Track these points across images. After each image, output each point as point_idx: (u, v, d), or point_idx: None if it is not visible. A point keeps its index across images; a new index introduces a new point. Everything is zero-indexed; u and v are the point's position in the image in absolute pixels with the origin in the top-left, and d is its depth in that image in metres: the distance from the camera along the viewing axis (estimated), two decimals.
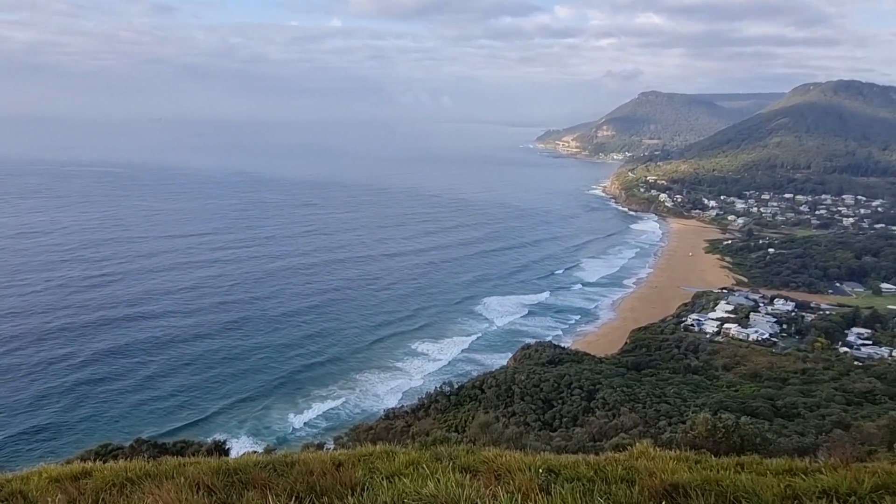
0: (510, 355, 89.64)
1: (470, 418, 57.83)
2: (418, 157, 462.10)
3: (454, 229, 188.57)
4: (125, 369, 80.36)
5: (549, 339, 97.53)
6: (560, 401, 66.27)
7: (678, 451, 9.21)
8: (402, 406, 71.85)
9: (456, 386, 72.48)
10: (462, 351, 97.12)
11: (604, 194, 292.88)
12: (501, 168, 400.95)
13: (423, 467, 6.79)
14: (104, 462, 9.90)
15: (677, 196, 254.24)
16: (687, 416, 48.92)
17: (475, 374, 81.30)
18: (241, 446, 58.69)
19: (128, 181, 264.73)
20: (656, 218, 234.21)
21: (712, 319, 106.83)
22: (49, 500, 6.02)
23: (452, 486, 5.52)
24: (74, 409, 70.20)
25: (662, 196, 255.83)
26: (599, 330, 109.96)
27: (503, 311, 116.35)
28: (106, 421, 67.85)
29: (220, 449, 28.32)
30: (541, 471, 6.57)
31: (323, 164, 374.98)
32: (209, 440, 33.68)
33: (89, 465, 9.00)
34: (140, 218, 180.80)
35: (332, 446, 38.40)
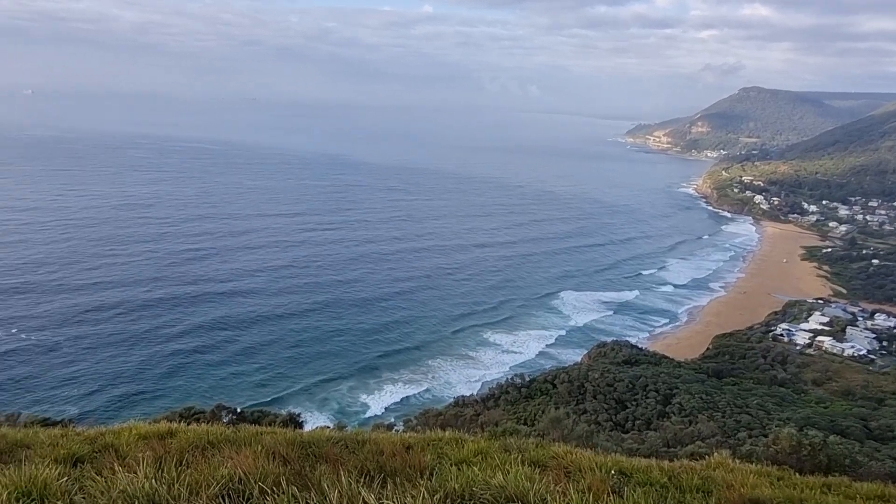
0: (585, 352, 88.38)
1: (540, 412, 57.45)
2: (505, 146, 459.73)
3: (541, 222, 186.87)
4: (216, 342, 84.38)
5: (626, 338, 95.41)
6: (634, 402, 64.77)
7: (759, 466, 8.82)
8: (473, 395, 72.19)
9: (527, 378, 72.13)
10: (537, 344, 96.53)
11: (695, 193, 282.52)
12: (589, 161, 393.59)
13: (491, 457, 6.78)
14: (188, 424, 10.46)
15: (774, 198, 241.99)
16: (770, 429, 46.76)
17: (548, 367, 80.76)
18: (314, 420, 60.73)
19: (223, 158, 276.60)
20: (751, 220, 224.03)
21: (804, 331, 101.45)
22: (139, 456, 6.39)
23: (521, 480, 5.48)
24: (167, 377, 74.50)
25: (758, 198, 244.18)
26: (681, 333, 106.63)
27: (583, 308, 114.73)
28: (194, 391, 71.55)
29: (295, 421, 29.38)
30: (612, 472, 6.44)
31: (409, 150, 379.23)
32: (284, 412, 35.02)
33: (174, 425, 9.53)
34: (234, 195, 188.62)
35: (401, 428, 39.10)
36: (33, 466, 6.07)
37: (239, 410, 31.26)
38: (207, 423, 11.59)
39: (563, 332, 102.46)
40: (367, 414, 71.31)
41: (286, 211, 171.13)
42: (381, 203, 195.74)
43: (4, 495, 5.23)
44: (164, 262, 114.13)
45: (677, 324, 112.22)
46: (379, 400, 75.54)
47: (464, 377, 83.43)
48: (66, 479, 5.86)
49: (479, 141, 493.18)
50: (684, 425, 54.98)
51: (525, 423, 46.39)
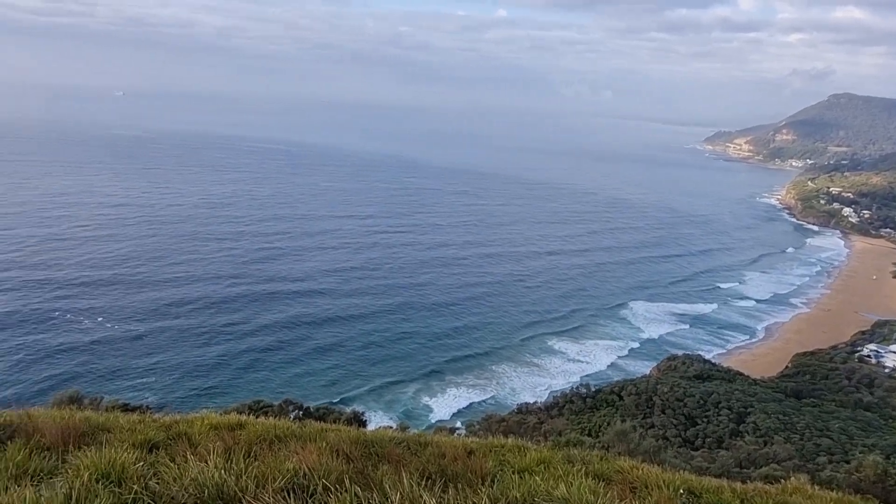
0: (654, 364, 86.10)
1: (605, 424, 56.31)
2: (577, 151, 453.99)
3: (614, 231, 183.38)
4: (288, 340, 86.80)
5: (699, 352, 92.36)
6: (705, 419, 62.59)
7: (840, 494, 8.35)
8: (536, 402, 71.50)
9: (593, 389, 70.86)
10: (604, 354, 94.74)
11: (778, 204, 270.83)
12: (665, 169, 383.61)
13: (554, 468, 6.68)
14: (256, 417, 10.80)
15: (865, 212, 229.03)
16: (853, 455, 44.21)
17: (615, 379, 79.13)
18: (376, 420, 61.56)
19: (297, 160, 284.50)
20: (838, 234, 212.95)
21: (894, 353, 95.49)
22: (210, 445, 6.63)
23: (585, 493, 5.38)
24: (240, 372, 77.21)
25: (846, 210, 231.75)
26: (758, 349, 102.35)
27: (654, 319, 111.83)
28: (265, 387, 73.76)
29: (358, 420, 29.87)
30: (681, 491, 6.23)
31: (479, 154, 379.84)
32: (348, 410, 35.64)
33: (244, 418, 9.85)
34: (308, 196, 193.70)
35: (463, 432, 39.11)
36: (113, 450, 6.40)
37: (305, 406, 32.01)
38: (275, 417, 11.90)
39: (632, 344, 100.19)
40: (430, 416, 71.73)
41: (358, 213, 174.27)
42: (452, 207, 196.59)
43: (86, 475, 5.53)
44: (241, 260, 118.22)
45: (755, 340, 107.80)
46: (442, 403, 75.84)
47: (528, 384, 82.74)
48: (142, 463, 6.15)
49: (551, 146, 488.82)
50: (758, 446, 52.69)
51: (589, 435, 45.58)
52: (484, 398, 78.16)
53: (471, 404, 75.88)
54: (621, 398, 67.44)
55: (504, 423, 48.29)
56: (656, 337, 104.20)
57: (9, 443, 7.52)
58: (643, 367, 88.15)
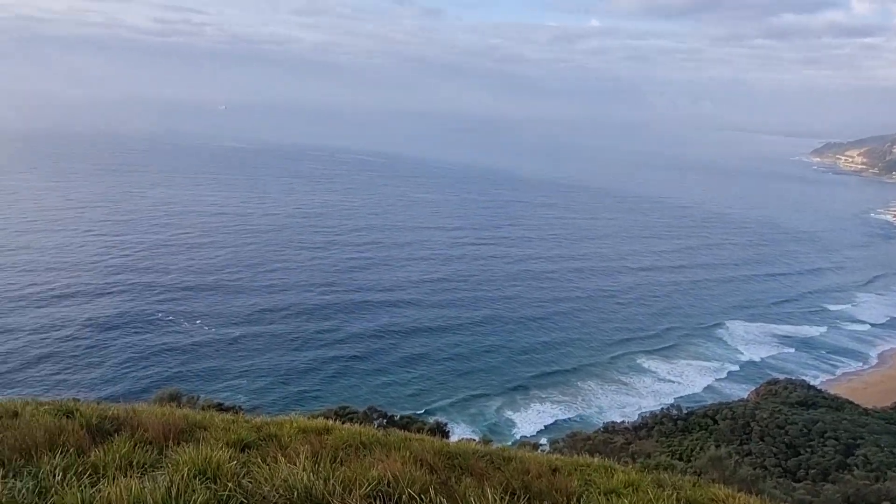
0: (752, 388, 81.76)
1: (697, 448, 53.91)
2: (673, 164, 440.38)
3: (712, 247, 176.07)
4: (374, 350, 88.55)
5: (803, 377, 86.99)
6: (808, 449, 58.73)
7: None
8: (624, 421, 69.41)
9: (685, 411, 68.04)
10: (697, 375, 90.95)
11: (895, 221, 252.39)
12: (769, 182, 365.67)
13: (643, 491, 6.46)
14: (342, 422, 11.06)
15: None
16: None
17: (708, 401, 75.73)
18: (459, 432, 61.55)
19: (389, 171, 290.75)
20: None
21: None
22: (298, 448, 6.84)
23: None
24: (328, 380, 79.37)
25: None
26: (870, 377, 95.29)
27: (753, 341, 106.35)
28: (352, 395, 75.44)
29: (441, 430, 30.03)
30: None
31: (570, 166, 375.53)
32: (431, 420, 35.90)
33: (330, 423, 10.12)
34: (398, 207, 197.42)
35: (547, 448, 38.49)
36: (209, 448, 6.72)
37: (389, 415, 32.51)
38: (360, 423, 12.14)
39: (729, 366, 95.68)
40: (513, 431, 71.09)
41: (446, 224, 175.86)
42: (541, 220, 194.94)
43: (185, 470, 5.85)
44: (332, 269, 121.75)
45: (867, 366, 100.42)
46: (526, 418, 75.01)
47: (616, 403, 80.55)
48: (235, 462, 6.43)
49: (645, 158, 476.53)
50: (870, 481, 48.91)
51: (680, 459, 43.78)
52: (569, 415, 76.71)
53: (556, 421, 74.65)
54: (715, 422, 64.40)
55: (589, 442, 47.19)
56: (756, 360, 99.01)
57: (116, 435, 8.06)
58: (740, 391, 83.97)
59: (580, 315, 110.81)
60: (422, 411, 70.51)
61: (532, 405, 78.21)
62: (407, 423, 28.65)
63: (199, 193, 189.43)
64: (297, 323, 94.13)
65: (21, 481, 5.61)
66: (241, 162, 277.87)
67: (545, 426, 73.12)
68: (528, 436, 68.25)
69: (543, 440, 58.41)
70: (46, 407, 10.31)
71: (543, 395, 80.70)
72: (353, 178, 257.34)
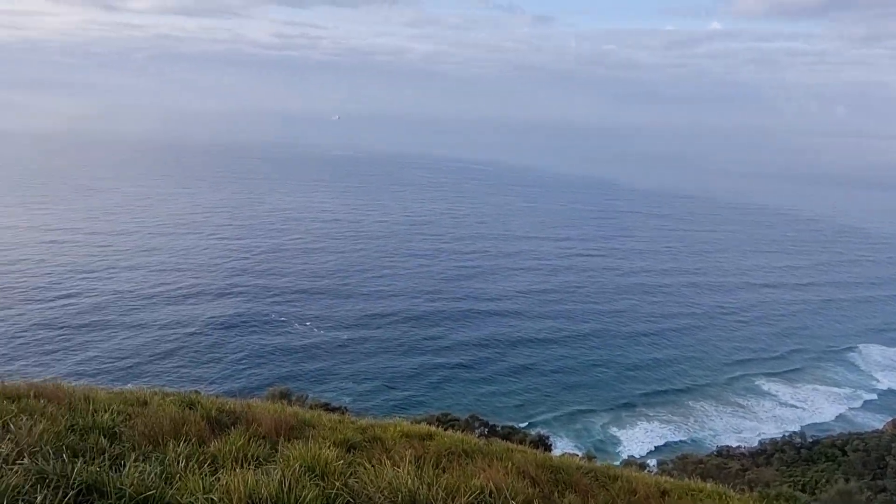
0: (890, 419, 74.93)
1: (823, 481, 50.10)
2: (800, 174, 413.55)
3: (845, 264, 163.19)
4: (479, 360, 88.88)
5: None
6: None
7: None
8: (740, 447, 65.65)
9: (809, 439, 63.43)
10: (824, 401, 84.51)
11: None
12: None
13: None
14: (444, 429, 11.18)
15: None
16: None
17: (836, 430, 70.16)
18: (562, 446, 60.49)
19: (495, 179, 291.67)
20: None
21: None
22: (403, 452, 6.98)
23: None
24: (433, 387, 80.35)
25: None
26: None
27: (891, 367, 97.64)
28: (455, 404, 75.91)
29: (544, 443, 29.64)
30: None
31: (686, 175, 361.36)
32: (533, 432, 35.52)
33: (432, 429, 10.26)
34: (505, 216, 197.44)
35: (655, 470, 37.07)
36: (317, 446, 7.01)
37: (491, 424, 32.48)
38: (461, 431, 12.20)
39: (863, 393, 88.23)
40: (619, 449, 68.94)
41: (554, 234, 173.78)
42: (654, 232, 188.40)
43: (297, 466, 6.13)
44: (439, 277, 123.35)
45: None
46: (633, 437, 72.52)
47: (731, 427, 76.26)
48: (342, 462, 6.66)
49: (769, 167, 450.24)
50: None
51: (803, 490, 40.88)
52: (679, 437, 73.41)
53: (666, 442, 71.69)
54: (844, 453, 59.58)
55: (701, 466, 45.04)
56: (892, 386, 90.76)
57: (232, 428, 8.56)
58: (874, 422, 77.17)
59: (695, 332, 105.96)
60: (525, 424, 69.88)
61: (640, 423, 75.54)
62: (508, 434, 28.53)
63: (313, 200, 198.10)
64: (404, 329, 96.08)
65: (150, 466, 6.09)
66: (352, 170, 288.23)
67: (654, 447, 70.39)
68: (635, 456, 66.03)
69: (651, 461, 56.31)
70: (171, 398, 11.12)
71: (652, 414, 77.77)
72: (460, 186, 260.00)
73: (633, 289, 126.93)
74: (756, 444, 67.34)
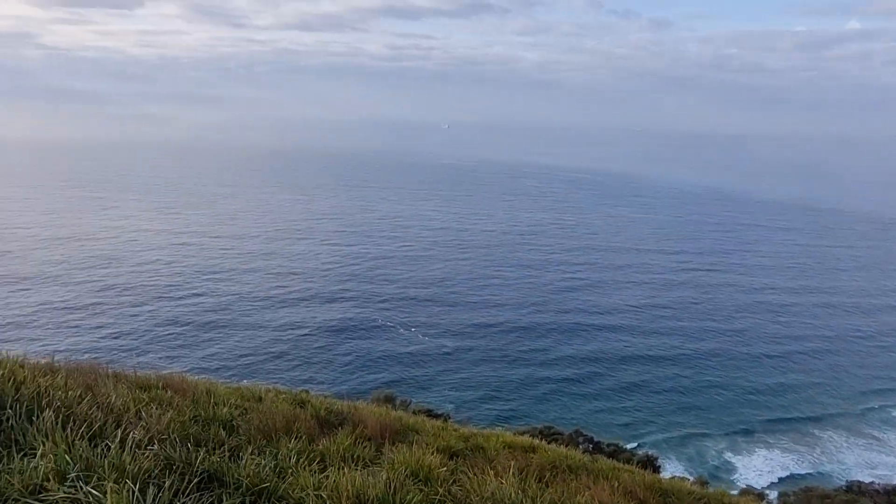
0: None
1: None
2: None
3: None
4: (585, 375, 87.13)
5: None
6: None
7: None
8: (874, 483, 60.25)
9: None
10: None
11: None
12: None
13: None
14: (547, 442, 11.05)
15: None
16: None
17: None
18: (671, 468, 58.04)
19: (606, 189, 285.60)
20: None
21: None
22: (505, 463, 6.98)
23: None
24: (537, 401, 79.43)
25: None
26: None
27: None
28: (561, 419, 74.83)
29: (652, 464, 28.52)
30: None
31: (815, 186, 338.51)
32: (641, 452, 34.29)
33: (536, 441, 10.18)
34: (615, 227, 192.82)
35: (774, 501, 34.84)
36: (421, 451, 7.13)
37: (595, 440, 31.69)
38: (565, 445, 12.02)
39: None
40: (734, 476, 65.22)
41: (668, 247, 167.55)
42: (780, 246, 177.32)
43: (402, 469, 6.28)
44: (545, 289, 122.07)
45: None
46: (750, 464, 68.38)
47: (864, 461, 70.24)
48: (445, 469, 6.75)
49: None
50: None
51: None
52: (803, 469, 68.43)
53: (789, 474, 67.08)
54: None
55: (828, 501, 41.82)
56: None
57: (339, 429, 8.88)
58: None
59: (826, 356, 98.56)
60: (633, 445, 67.63)
61: (759, 451, 71.13)
62: (614, 452, 27.72)
63: (422, 208, 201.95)
64: (509, 340, 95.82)
65: (265, 459, 6.44)
66: (461, 179, 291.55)
67: (776, 478, 66.06)
68: (754, 485, 62.23)
69: (772, 493, 52.87)
70: (284, 396, 11.70)
71: (773, 442, 73.02)
72: (569, 196, 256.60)
73: (755, 307, 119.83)
74: (894, 481, 61.66)
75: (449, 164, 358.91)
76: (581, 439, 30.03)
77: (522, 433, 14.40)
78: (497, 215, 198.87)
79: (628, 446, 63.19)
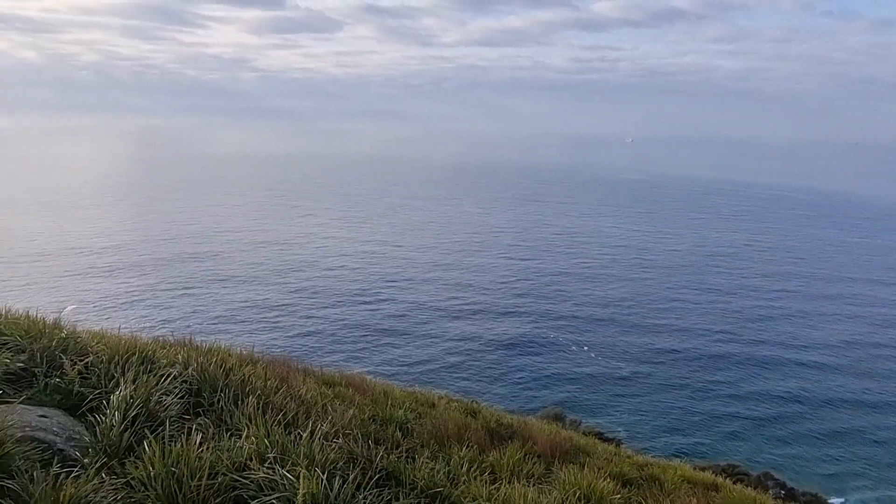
0: None
1: None
2: None
3: None
4: (783, 416, 79.47)
5: None
6: None
7: None
8: None
9: None
10: None
11: None
12: None
13: None
14: (732, 482, 10.35)
15: None
16: None
17: None
18: None
19: (814, 209, 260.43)
20: None
21: None
22: (686, 499, 6.71)
23: None
24: (723, 438, 73.84)
25: None
26: None
27: None
28: (751, 460, 69.52)
29: None
30: None
31: None
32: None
33: (719, 479, 9.58)
34: (820, 251, 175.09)
35: None
36: (592, 475, 7.05)
37: (789, 486, 29.01)
38: (752, 487, 11.21)
39: None
40: None
41: (892, 279, 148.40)
42: None
43: (573, 491, 6.26)
44: (735, 317, 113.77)
45: None
46: None
47: None
48: (618, 496, 6.61)
49: None
50: None
51: None
52: None
53: None
54: None
55: None
56: None
57: (509, 442, 9.00)
58: None
59: None
60: (840, 501, 60.73)
61: None
62: (810, 502, 25.18)
63: (602, 224, 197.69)
64: (693, 369, 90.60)
65: (438, 465, 6.73)
66: (643, 195, 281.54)
67: None
68: None
69: None
70: (456, 404, 12.08)
71: None
72: (768, 216, 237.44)
73: None
74: None
75: (632, 180, 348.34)
76: (771, 483, 27.64)
77: (703, 469, 13.62)
78: (682, 234, 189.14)
79: (832, 501, 57.01)
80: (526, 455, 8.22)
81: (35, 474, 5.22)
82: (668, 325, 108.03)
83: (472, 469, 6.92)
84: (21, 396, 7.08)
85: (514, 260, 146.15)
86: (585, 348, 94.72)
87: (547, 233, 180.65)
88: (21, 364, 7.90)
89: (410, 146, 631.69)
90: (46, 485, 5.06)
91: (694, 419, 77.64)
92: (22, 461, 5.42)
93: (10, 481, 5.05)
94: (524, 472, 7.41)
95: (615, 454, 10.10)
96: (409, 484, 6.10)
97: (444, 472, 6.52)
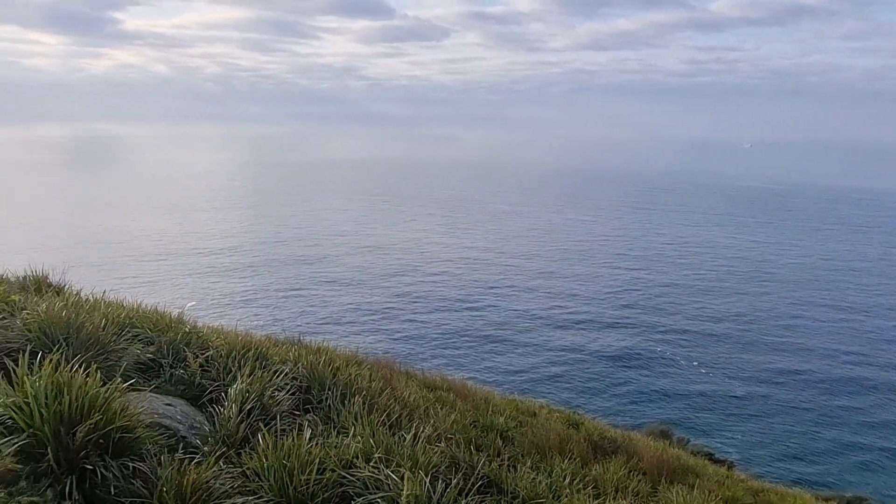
0: None
1: None
2: None
3: None
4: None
5: None
6: None
7: None
8: None
9: None
10: None
11: None
12: None
13: None
14: None
15: None
16: None
17: None
18: None
19: None
20: None
21: None
22: None
23: None
24: (843, 467, 69.50)
25: None
26: None
27: None
28: (873, 490, 64.68)
29: None
30: None
31: None
32: None
33: None
34: None
35: None
36: (703, 497, 6.81)
37: None
38: None
39: None
40: None
41: None
42: None
43: None
44: (868, 337, 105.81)
45: None
46: None
47: None
48: None
49: None
50: None
51: None
52: None
53: None
54: None
55: None
56: None
57: (613, 457, 8.83)
58: None
59: None
60: None
61: None
62: None
63: (716, 234, 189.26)
64: (816, 392, 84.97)
65: (540, 475, 6.72)
66: (762, 203, 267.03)
67: None
68: None
69: None
70: (557, 414, 11.97)
71: None
72: (881, 223, 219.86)
73: None
74: None
75: (749, 187, 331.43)
76: None
77: (826, 499, 12.79)
78: (805, 246, 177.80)
79: None
80: (630, 471, 8.05)
81: (162, 458, 5.71)
82: (790, 344, 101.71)
83: (575, 482, 6.85)
84: (150, 385, 7.72)
85: (621, 270, 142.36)
86: (696, 364, 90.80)
87: (657, 242, 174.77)
88: (150, 355, 8.63)
89: (517, 152, 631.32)
90: (172, 469, 5.55)
91: (817, 446, 72.68)
92: (151, 445, 5.95)
93: (140, 463, 5.58)
94: (630, 488, 7.27)
95: (727, 477, 9.71)
96: (511, 493, 6.12)
97: (545, 484, 6.50)
